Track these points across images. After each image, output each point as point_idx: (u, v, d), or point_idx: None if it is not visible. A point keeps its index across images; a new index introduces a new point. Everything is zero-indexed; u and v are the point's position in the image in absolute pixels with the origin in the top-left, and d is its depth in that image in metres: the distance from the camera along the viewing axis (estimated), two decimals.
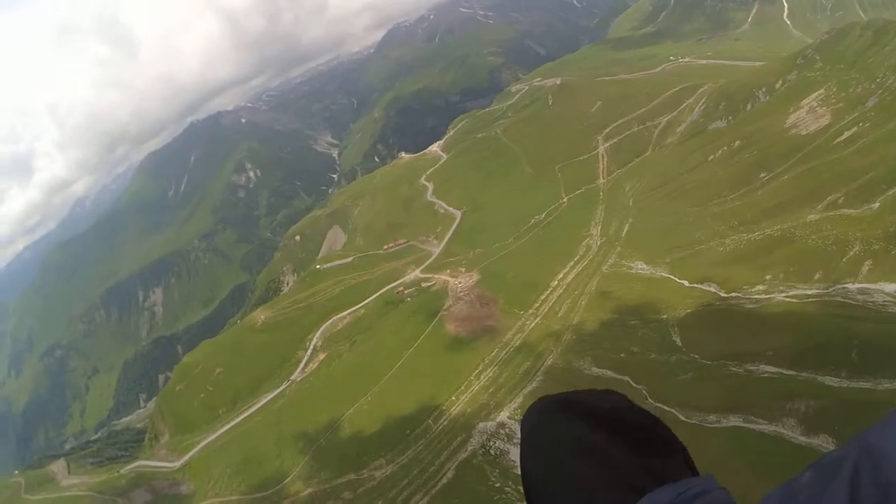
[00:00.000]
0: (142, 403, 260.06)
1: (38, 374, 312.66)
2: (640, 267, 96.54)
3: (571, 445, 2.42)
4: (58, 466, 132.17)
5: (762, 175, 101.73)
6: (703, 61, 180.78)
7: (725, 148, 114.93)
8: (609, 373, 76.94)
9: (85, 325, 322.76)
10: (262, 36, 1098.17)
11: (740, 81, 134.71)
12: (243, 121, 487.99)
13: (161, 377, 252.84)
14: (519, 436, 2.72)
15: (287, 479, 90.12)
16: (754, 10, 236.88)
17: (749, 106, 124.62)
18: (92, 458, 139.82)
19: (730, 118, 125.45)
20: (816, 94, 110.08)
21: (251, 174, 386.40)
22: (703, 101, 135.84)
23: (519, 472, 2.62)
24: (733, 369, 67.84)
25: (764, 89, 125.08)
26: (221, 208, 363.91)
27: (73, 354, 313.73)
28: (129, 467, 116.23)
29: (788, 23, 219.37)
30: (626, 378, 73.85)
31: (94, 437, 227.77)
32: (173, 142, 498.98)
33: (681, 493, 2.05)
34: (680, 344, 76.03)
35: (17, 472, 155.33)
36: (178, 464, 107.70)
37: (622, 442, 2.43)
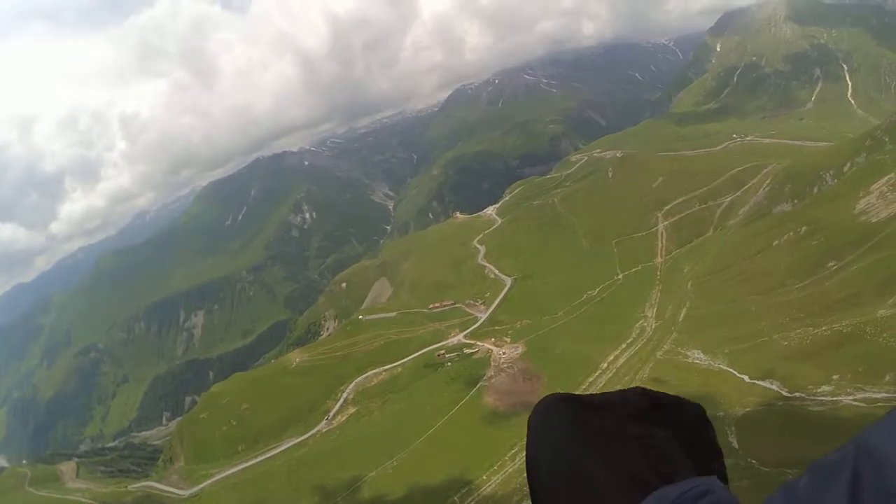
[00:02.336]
0: (164, 421, 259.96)
1: (69, 369, 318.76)
2: (697, 356, 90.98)
3: (577, 442, 2.41)
4: (67, 467, 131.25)
5: (830, 264, 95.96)
6: (767, 140, 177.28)
7: (791, 233, 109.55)
8: None
9: (124, 333, 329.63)
10: (334, 82, 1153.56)
11: (806, 163, 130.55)
12: (306, 163, 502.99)
13: (188, 399, 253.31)
14: None
15: None
16: (818, 89, 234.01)
17: (816, 189, 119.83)
18: (104, 467, 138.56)
19: (795, 201, 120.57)
20: (887, 178, 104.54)
21: (307, 215, 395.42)
22: (768, 182, 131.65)
23: None
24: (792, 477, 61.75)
25: (831, 172, 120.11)
26: (274, 244, 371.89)
27: (106, 359, 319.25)
28: (137, 485, 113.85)
29: (852, 102, 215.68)
30: None
31: (110, 445, 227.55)
32: (237, 173, 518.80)
33: (685, 491, 2.04)
34: (737, 446, 69.78)
35: (25, 462, 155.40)
36: (187, 493, 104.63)
37: (628, 439, 2.41)
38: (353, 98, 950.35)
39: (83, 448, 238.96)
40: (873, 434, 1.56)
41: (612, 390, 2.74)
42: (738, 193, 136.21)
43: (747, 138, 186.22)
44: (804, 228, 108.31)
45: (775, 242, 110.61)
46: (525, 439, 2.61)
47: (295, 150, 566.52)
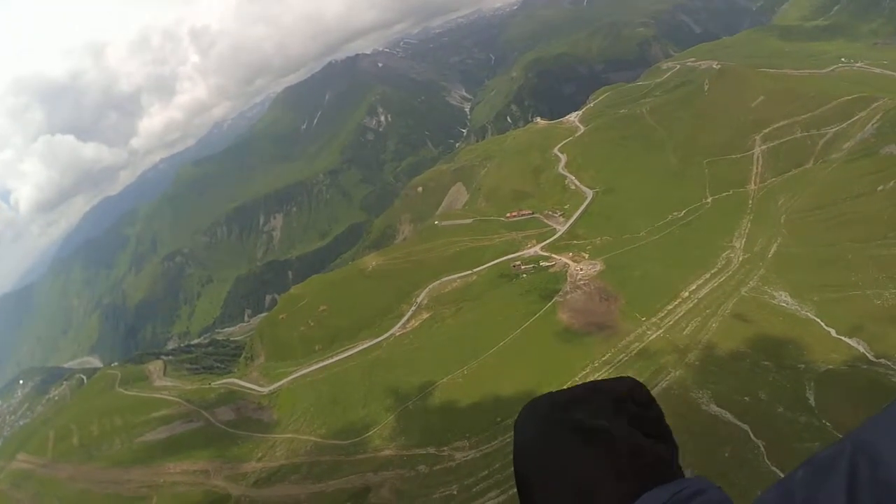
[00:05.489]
0: (246, 318, 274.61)
1: (156, 274, 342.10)
2: (784, 299, 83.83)
3: (567, 445, 2.41)
4: (155, 366, 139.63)
5: None
6: (878, 70, 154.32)
7: None
8: (728, 415, 67.29)
9: (207, 238, 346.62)
10: None
11: None
12: (380, 65, 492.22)
13: (268, 298, 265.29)
14: None
15: (368, 434, 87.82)
16: None
17: None
18: (189, 365, 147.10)
19: None
20: None
21: (382, 118, 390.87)
22: (878, 118, 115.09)
23: None
24: None
25: None
26: (349, 148, 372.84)
27: (191, 262, 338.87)
28: (220, 381, 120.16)
29: None
30: (746, 427, 64.52)
31: (196, 341, 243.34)
32: (311, 79, 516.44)
33: (676, 492, 2.07)
34: (813, 404, 65.03)
35: (116, 363, 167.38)
36: (266, 389, 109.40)
37: (618, 440, 2.41)
38: None
39: (171, 345, 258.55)
40: (870, 429, 1.56)
41: (599, 380, 2.72)
42: (844, 125, 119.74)
43: (856, 65, 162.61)
44: None
45: (880, 187, 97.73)
46: (514, 440, 2.60)
47: (368, 52, 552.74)
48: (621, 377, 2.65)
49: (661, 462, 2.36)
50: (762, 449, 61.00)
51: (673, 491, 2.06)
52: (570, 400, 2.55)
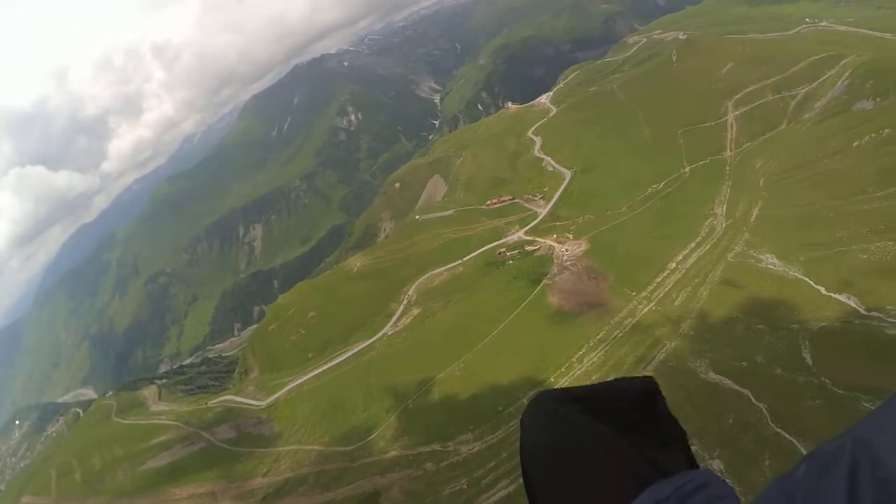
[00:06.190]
0: (236, 332, 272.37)
1: (141, 298, 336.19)
2: (771, 261, 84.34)
3: (573, 439, 2.44)
4: (149, 391, 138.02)
5: None
6: (843, 28, 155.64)
7: (873, 135, 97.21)
8: (728, 382, 67.75)
9: (188, 255, 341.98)
10: None
11: (891, 58, 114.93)
12: (346, 64, 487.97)
13: (256, 309, 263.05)
14: None
15: (372, 436, 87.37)
16: None
17: None
18: (183, 386, 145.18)
19: (877, 100, 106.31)
20: None
21: (353, 117, 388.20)
22: (847, 75, 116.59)
23: None
24: (866, 405, 56.65)
25: None
26: (323, 150, 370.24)
27: (175, 282, 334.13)
28: (217, 400, 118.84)
29: None
30: (747, 392, 64.97)
31: (187, 361, 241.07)
32: (278, 84, 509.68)
33: (681, 485, 2.08)
34: (810, 363, 65.45)
35: (110, 393, 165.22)
36: (264, 403, 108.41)
37: (623, 433, 2.44)
38: None
39: (163, 368, 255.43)
40: (870, 423, 1.56)
41: (605, 381, 2.79)
42: (814, 85, 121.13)
43: (821, 24, 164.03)
44: (887, 131, 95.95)
45: (855, 143, 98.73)
46: (521, 435, 2.67)
47: (333, 52, 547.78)
48: (633, 377, 2.68)
49: (666, 456, 2.38)
50: (765, 412, 61.31)
51: (677, 484, 2.07)
52: (576, 395, 2.59)
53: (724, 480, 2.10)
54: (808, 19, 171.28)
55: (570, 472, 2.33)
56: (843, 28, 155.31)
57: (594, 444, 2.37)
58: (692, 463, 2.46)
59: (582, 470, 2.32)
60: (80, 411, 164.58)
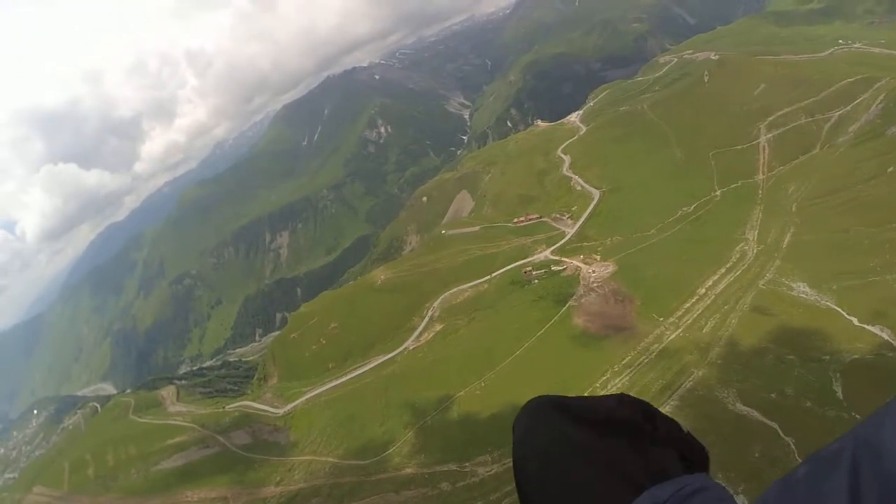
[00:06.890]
0: (257, 337, 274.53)
1: (165, 298, 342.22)
2: (803, 289, 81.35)
3: (566, 444, 2.43)
4: (168, 391, 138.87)
5: None
6: (877, 49, 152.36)
7: None
8: (756, 414, 64.92)
9: (214, 258, 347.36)
10: None
11: None
12: (377, 77, 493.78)
13: (278, 316, 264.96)
14: None
15: (388, 452, 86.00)
16: None
17: None
18: (202, 388, 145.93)
19: None
20: None
21: (382, 130, 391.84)
22: (882, 98, 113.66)
23: None
24: None
25: None
26: (352, 161, 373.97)
27: (200, 284, 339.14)
28: (234, 405, 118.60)
29: None
30: (775, 425, 62.22)
31: (208, 364, 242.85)
32: (309, 94, 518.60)
33: (677, 490, 2.07)
34: (841, 397, 62.60)
35: (129, 390, 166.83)
36: (281, 411, 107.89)
37: (618, 439, 2.43)
38: (419, 5, 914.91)
39: (183, 368, 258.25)
40: (872, 424, 1.55)
41: (600, 395, 2.76)
42: (849, 108, 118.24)
43: (855, 45, 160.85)
44: None
45: (890, 169, 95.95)
46: (513, 440, 2.61)
47: (364, 64, 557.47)
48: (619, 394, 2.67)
49: (662, 461, 2.34)
50: (793, 447, 58.76)
51: (674, 488, 2.06)
52: (571, 402, 2.59)
53: (721, 485, 2.10)
54: (841, 41, 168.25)
55: (563, 478, 2.31)
56: (876, 50, 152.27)
57: (588, 449, 2.36)
58: (688, 468, 2.38)
59: (576, 475, 2.30)
60: (98, 406, 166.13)
